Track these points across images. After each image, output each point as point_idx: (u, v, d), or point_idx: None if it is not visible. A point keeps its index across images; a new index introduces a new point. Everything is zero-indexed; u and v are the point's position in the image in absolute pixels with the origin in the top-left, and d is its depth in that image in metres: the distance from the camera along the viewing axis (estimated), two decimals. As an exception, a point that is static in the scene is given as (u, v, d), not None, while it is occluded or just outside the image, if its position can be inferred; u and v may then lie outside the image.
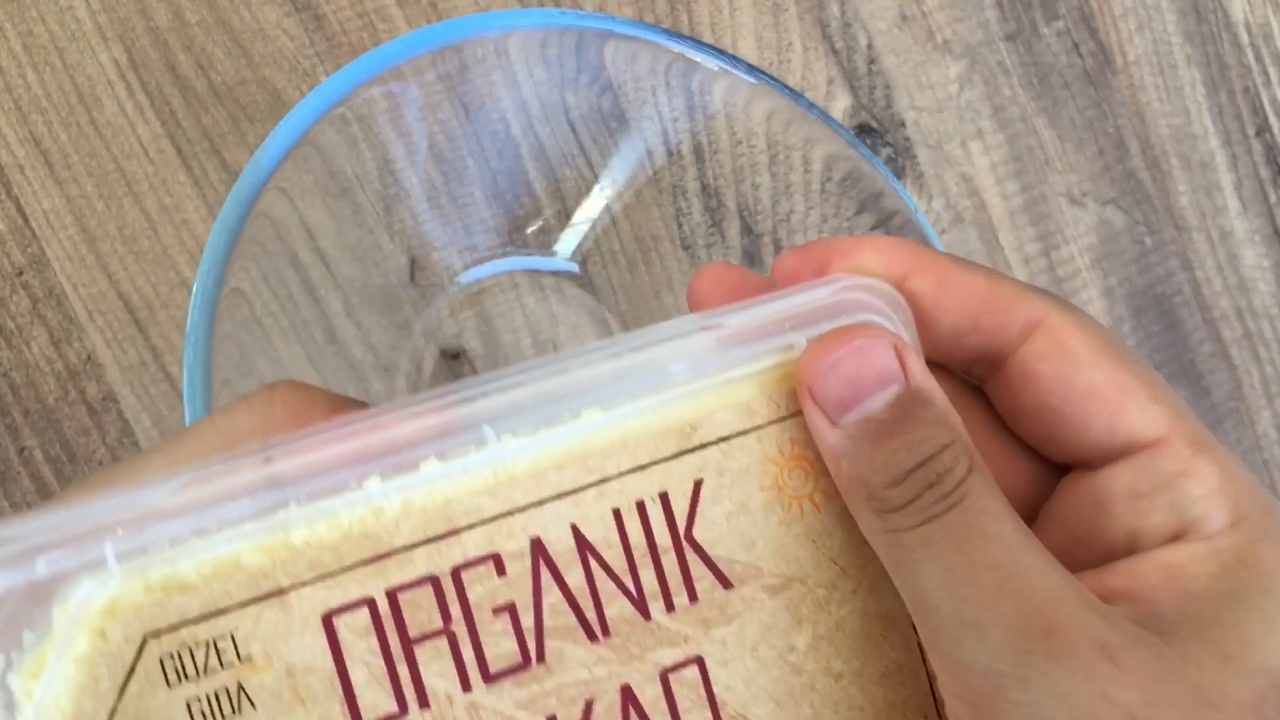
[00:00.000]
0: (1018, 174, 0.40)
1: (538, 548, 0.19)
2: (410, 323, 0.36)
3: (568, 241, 0.37)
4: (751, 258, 0.35)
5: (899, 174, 0.40)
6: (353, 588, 0.18)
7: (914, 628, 0.21)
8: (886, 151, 0.40)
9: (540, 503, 0.19)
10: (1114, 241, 0.41)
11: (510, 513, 0.19)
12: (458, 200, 0.35)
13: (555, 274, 0.37)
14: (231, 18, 0.37)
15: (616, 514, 0.19)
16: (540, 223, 0.36)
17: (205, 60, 0.37)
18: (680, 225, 0.36)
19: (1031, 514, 0.23)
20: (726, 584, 0.20)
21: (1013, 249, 0.40)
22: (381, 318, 0.36)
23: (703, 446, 0.20)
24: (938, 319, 0.22)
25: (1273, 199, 0.41)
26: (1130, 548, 0.21)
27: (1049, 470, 0.23)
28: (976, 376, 0.23)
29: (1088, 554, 0.21)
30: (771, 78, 0.31)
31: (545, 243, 0.37)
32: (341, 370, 0.35)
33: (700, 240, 0.36)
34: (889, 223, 0.31)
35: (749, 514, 0.20)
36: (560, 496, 0.19)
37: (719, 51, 0.31)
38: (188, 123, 0.37)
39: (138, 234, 0.36)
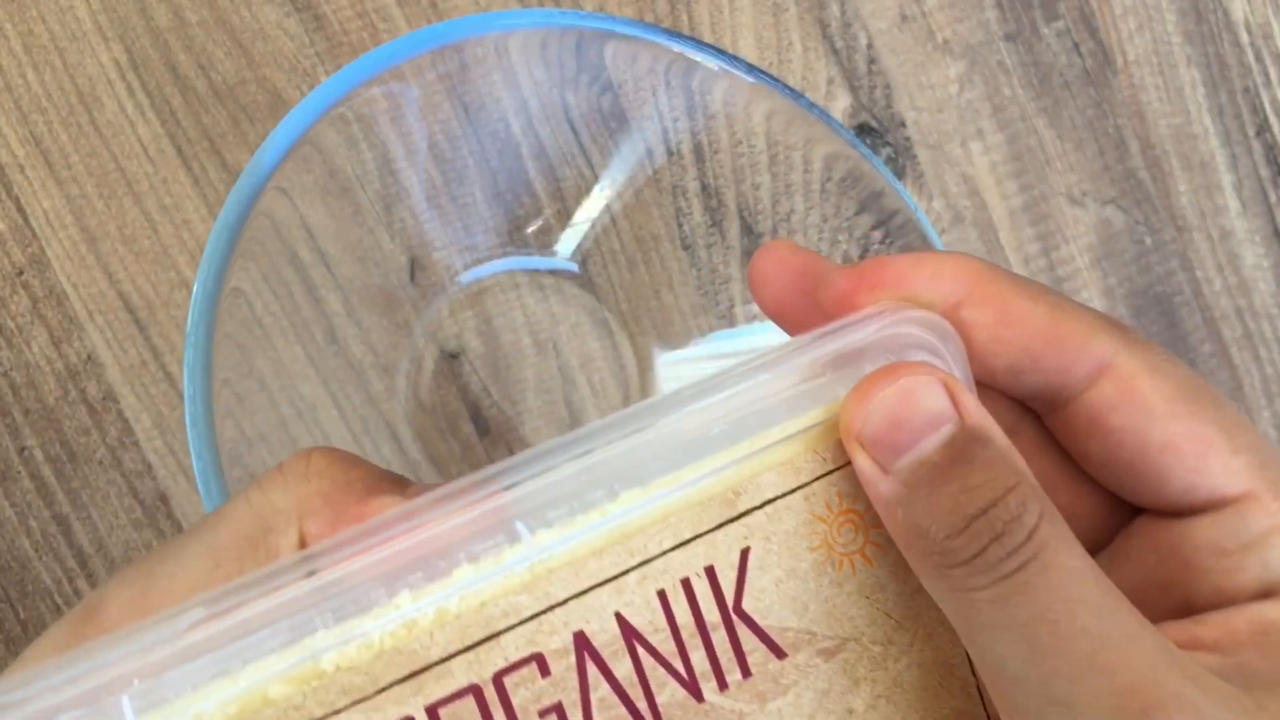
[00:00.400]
0: (1018, 174, 0.40)
1: (581, 642, 0.18)
2: (410, 323, 0.36)
3: (568, 241, 0.37)
4: (752, 258, 0.35)
5: (899, 174, 0.40)
6: (390, 709, 0.17)
7: (973, 672, 0.20)
8: (886, 151, 0.40)
9: (581, 594, 0.18)
10: (1114, 241, 0.41)
11: (550, 608, 0.18)
12: (458, 200, 0.35)
13: (555, 274, 0.37)
14: (231, 18, 0.37)
15: (661, 595, 0.18)
16: (540, 223, 0.36)
17: (205, 60, 0.37)
18: (680, 225, 0.36)
19: (1096, 547, 0.22)
20: (779, 653, 0.19)
21: (1013, 249, 0.40)
22: (381, 318, 0.36)
23: (748, 512, 0.19)
24: (995, 353, 0.20)
25: (1273, 199, 0.41)
26: (1216, 603, 0.20)
27: (1117, 502, 0.21)
28: (1035, 410, 0.21)
29: (1166, 602, 0.20)
30: (771, 78, 0.31)
31: (545, 243, 0.37)
32: (341, 370, 0.35)
33: (700, 240, 0.36)
34: (889, 223, 0.31)
35: (799, 577, 0.19)
36: (601, 585, 0.18)
37: (719, 51, 0.31)
38: (188, 123, 0.37)
39: (138, 234, 0.36)
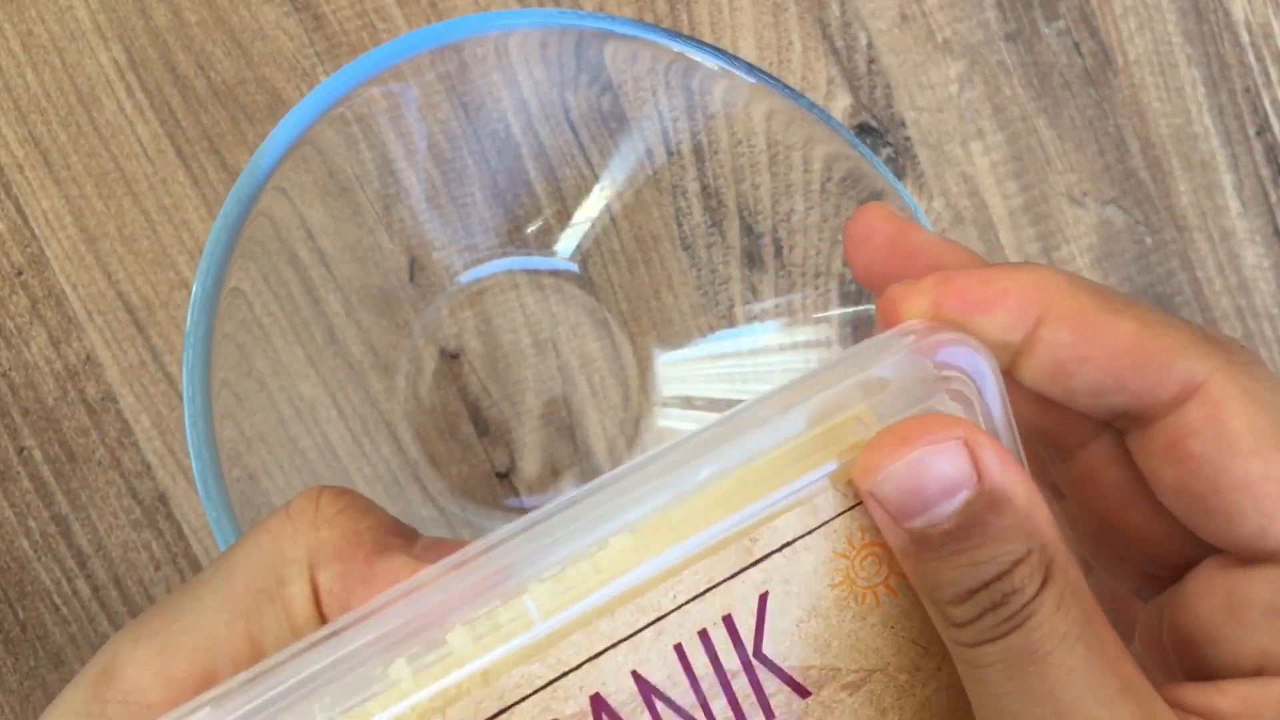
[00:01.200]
0: (1018, 174, 0.40)
1: (598, 704, 0.17)
2: (410, 323, 0.36)
3: (568, 241, 0.37)
4: (751, 258, 0.35)
5: (899, 174, 0.40)
6: None
7: None
8: (887, 151, 0.40)
9: (595, 657, 0.17)
10: (1114, 241, 0.41)
11: (564, 674, 0.17)
12: (458, 200, 0.35)
13: (555, 274, 0.37)
14: (231, 17, 0.37)
15: (679, 649, 0.17)
16: (540, 223, 0.36)
17: (205, 60, 0.37)
18: (680, 225, 0.36)
19: (1168, 576, 0.21)
20: (803, 692, 0.18)
21: (1013, 249, 0.40)
22: (381, 318, 0.36)
23: (765, 557, 0.18)
24: (1075, 373, 0.19)
25: (1273, 199, 0.41)
26: (1258, 668, 0.18)
27: (1193, 533, 0.20)
28: (1116, 426, 0.20)
29: (1215, 655, 0.19)
30: (771, 77, 0.31)
31: (545, 243, 0.37)
32: (341, 370, 0.35)
33: (700, 240, 0.36)
34: (889, 223, 0.31)
35: (820, 615, 0.18)
36: (616, 645, 0.17)
37: (719, 51, 0.31)
38: (187, 123, 0.37)
39: (137, 234, 0.36)
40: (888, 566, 0.18)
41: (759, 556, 0.18)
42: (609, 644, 0.17)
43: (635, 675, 0.17)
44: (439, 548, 0.19)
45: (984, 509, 0.17)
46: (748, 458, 0.18)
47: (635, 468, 0.18)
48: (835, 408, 0.18)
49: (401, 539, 0.19)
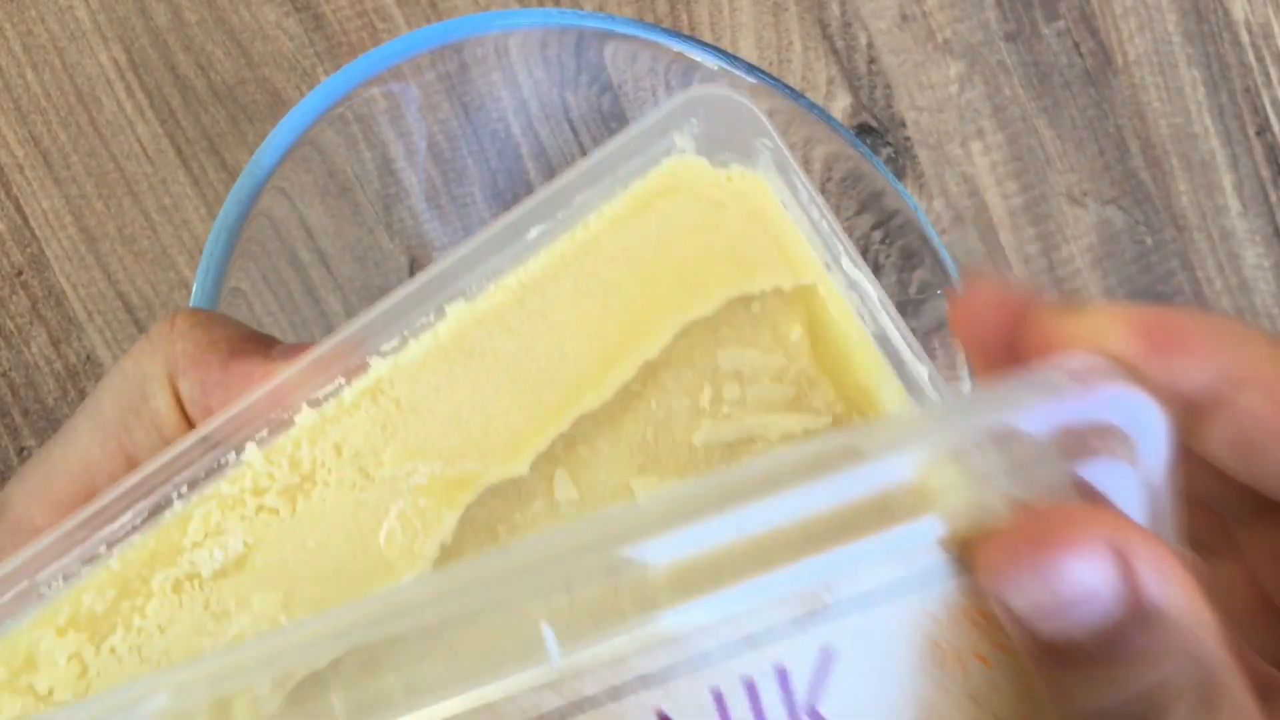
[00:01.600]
0: (1018, 174, 0.40)
1: None
2: (410, 323, 0.36)
3: (568, 241, 0.37)
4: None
5: (899, 174, 0.40)
6: None
7: None
8: (887, 151, 0.40)
9: (616, 690, 0.15)
10: (1114, 241, 0.41)
11: (579, 704, 0.15)
12: (458, 200, 0.35)
13: (555, 274, 0.37)
14: (231, 17, 0.37)
15: (718, 696, 0.15)
16: (540, 223, 0.36)
17: (205, 60, 0.37)
18: (680, 225, 0.36)
19: None
20: None
21: (1013, 249, 0.40)
22: (381, 318, 0.36)
23: (840, 607, 0.15)
24: (1267, 451, 0.15)
25: (1273, 199, 0.41)
26: None
27: None
28: None
29: None
30: (771, 77, 0.31)
31: (545, 243, 0.37)
32: (341, 370, 0.35)
33: (700, 240, 0.36)
34: (889, 223, 0.31)
35: (891, 678, 0.16)
36: (643, 682, 0.15)
37: (719, 51, 0.31)
38: (187, 122, 0.37)
39: (137, 234, 0.36)
40: (985, 636, 0.16)
41: (831, 604, 0.15)
42: (634, 677, 0.15)
43: (660, 715, 0.15)
44: (295, 350, 0.19)
45: (1132, 628, 0.14)
46: (838, 498, 0.15)
47: (473, 242, 0.18)
48: (954, 458, 0.15)
49: (257, 344, 0.19)
